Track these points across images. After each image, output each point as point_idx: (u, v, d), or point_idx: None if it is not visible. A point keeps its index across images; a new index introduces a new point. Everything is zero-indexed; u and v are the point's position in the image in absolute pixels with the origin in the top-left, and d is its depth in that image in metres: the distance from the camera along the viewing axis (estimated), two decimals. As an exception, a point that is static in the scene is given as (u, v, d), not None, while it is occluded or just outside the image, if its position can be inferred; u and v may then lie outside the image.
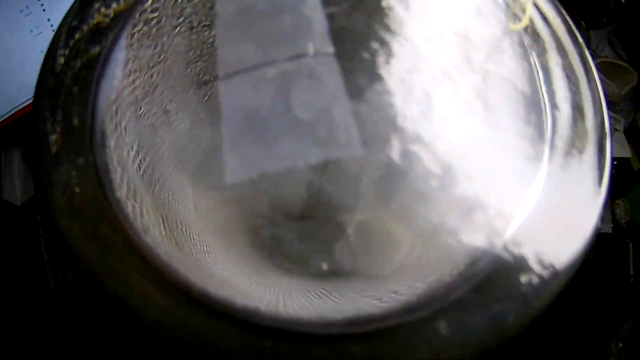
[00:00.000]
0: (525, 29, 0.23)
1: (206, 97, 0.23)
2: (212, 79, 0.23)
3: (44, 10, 0.43)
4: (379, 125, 0.23)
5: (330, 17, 0.24)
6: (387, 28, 0.23)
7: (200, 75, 0.23)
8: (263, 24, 0.24)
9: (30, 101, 0.43)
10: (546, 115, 0.22)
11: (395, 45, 0.23)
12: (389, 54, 0.23)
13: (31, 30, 0.43)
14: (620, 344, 0.43)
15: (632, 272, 0.52)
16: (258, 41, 0.23)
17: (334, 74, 0.23)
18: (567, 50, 0.23)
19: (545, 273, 0.19)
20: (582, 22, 0.55)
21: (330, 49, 0.23)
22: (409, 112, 0.22)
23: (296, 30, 0.23)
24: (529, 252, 0.19)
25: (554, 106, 0.22)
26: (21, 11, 0.43)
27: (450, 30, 0.23)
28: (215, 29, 0.23)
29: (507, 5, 0.23)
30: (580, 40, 0.24)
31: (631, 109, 0.60)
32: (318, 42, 0.23)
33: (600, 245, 0.53)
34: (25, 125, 0.44)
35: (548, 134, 0.21)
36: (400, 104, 0.22)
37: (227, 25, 0.23)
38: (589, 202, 0.21)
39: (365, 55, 0.23)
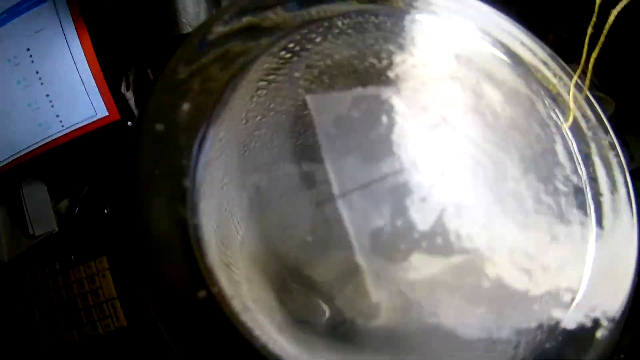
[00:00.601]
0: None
1: (327, 217, 0.25)
2: (329, 198, 0.25)
3: (32, 61, 0.41)
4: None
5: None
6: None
7: (318, 195, 0.25)
8: (362, 134, 0.26)
9: (16, 156, 0.41)
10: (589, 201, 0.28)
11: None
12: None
13: (19, 82, 0.41)
14: (622, 355, 0.44)
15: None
16: (361, 155, 0.26)
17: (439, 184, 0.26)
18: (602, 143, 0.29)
19: (610, 325, 0.25)
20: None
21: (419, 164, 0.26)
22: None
23: (390, 140, 0.26)
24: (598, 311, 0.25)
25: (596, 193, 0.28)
26: (9, 60, 0.41)
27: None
28: (319, 143, 0.25)
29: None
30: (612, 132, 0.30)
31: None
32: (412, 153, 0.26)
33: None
34: (9, 181, 0.43)
35: (592, 217, 0.28)
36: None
37: (330, 137, 0.25)
38: (628, 257, 0.27)
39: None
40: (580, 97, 0.31)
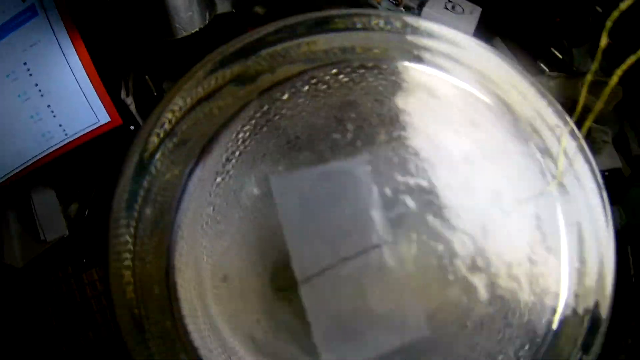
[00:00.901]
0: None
1: (287, 303, 0.25)
2: (291, 285, 0.25)
3: (30, 75, 0.42)
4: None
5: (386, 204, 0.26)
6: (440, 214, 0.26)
7: (278, 281, 0.25)
8: (326, 216, 0.26)
9: (23, 166, 0.42)
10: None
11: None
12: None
13: (19, 96, 0.42)
14: (630, 340, 0.45)
15: (632, 273, 0.53)
16: (326, 238, 0.25)
17: (401, 262, 0.26)
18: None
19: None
20: (564, 41, 0.55)
21: (391, 237, 0.26)
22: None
23: (358, 220, 0.26)
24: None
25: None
26: (7, 76, 0.42)
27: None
28: (282, 227, 0.25)
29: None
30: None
31: (617, 119, 0.61)
32: (380, 232, 0.25)
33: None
34: (19, 190, 0.44)
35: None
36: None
37: (293, 219, 0.25)
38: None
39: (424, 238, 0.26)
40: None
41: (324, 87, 0.26)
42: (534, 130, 0.28)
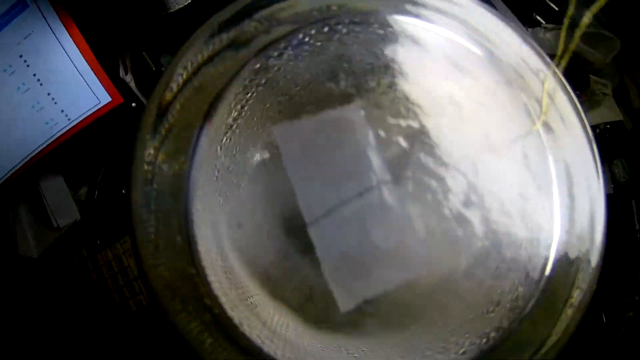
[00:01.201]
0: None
1: (298, 242, 0.27)
2: (301, 227, 0.26)
3: (27, 66, 0.43)
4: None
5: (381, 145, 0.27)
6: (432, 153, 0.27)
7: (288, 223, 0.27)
8: (327, 161, 0.27)
9: (30, 157, 0.43)
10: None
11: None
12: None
13: (18, 88, 0.43)
14: (637, 297, 0.45)
15: (637, 227, 0.53)
16: (328, 181, 0.27)
17: (400, 200, 0.27)
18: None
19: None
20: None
21: (388, 176, 0.27)
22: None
23: (357, 163, 0.27)
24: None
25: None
26: (5, 70, 0.43)
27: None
28: (287, 172, 0.26)
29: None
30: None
31: (616, 71, 0.61)
32: (378, 172, 0.27)
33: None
34: (27, 180, 0.45)
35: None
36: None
37: (296, 165, 0.26)
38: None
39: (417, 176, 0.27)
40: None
41: (318, 43, 0.28)
42: (519, 76, 0.29)
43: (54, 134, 0.43)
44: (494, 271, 0.26)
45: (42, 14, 0.43)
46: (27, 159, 0.44)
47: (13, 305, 0.44)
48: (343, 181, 0.26)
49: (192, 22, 0.29)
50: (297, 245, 0.26)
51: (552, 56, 0.31)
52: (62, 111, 0.43)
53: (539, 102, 0.28)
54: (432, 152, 0.27)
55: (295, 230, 0.26)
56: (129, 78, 0.44)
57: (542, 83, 0.28)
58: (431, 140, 0.27)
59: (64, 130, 0.43)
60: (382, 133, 0.27)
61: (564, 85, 0.29)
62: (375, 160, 0.26)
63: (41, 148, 0.43)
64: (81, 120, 0.43)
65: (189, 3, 0.41)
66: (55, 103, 0.43)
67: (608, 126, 0.59)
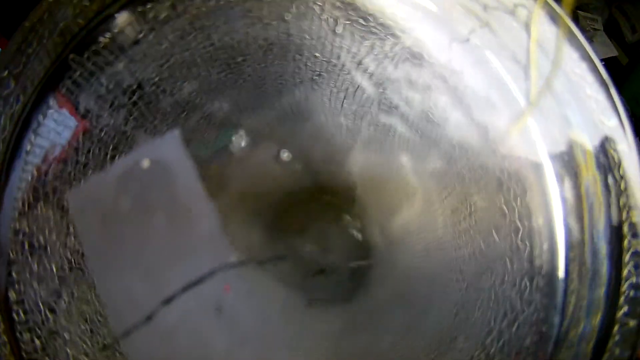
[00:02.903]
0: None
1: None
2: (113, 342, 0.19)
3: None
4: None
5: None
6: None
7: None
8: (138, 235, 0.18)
9: None
10: None
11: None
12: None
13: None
14: None
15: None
16: (142, 271, 0.18)
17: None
18: None
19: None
20: None
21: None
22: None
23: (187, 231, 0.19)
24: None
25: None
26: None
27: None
28: (85, 261, 0.18)
29: None
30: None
31: (605, 5, 0.58)
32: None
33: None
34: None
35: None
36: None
37: (96, 249, 0.17)
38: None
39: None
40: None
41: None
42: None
43: None
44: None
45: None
46: None
47: None
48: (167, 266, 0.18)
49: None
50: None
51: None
52: None
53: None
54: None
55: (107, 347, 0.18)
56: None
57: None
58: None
59: None
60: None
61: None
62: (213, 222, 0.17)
63: None
64: None
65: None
66: None
67: (603, 63, 0.57)
